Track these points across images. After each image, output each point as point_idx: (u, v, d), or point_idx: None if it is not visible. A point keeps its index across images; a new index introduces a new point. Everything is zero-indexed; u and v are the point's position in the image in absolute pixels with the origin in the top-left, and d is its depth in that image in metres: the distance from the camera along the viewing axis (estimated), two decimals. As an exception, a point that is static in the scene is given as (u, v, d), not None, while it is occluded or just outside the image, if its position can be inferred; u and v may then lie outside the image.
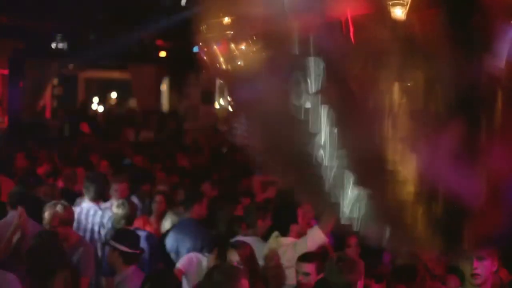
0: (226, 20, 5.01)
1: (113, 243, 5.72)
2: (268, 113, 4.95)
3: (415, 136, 4.92)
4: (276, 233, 6.34)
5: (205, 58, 5.33)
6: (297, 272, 5.42)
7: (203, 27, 5.20)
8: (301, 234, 6.19)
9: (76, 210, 7.21)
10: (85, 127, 11.71)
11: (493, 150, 4.89)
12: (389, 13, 4.61)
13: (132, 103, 24.37)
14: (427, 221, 5.07)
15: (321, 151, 5.00)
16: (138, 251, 5.76)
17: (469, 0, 4.85)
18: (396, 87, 4.92)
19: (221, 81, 5.73)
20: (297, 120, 4.90)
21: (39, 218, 6.95)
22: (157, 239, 7.19)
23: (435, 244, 5.21)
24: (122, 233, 6.00)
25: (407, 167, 4.95)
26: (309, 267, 5.40)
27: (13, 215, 6.90)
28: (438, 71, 4.82)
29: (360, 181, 5.07)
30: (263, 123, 5.03)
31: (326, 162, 5.09)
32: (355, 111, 4.87)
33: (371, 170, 5.00)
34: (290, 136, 4.97)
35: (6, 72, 17.81)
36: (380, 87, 4.85)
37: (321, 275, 5.38)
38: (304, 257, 5.48)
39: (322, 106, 4.84)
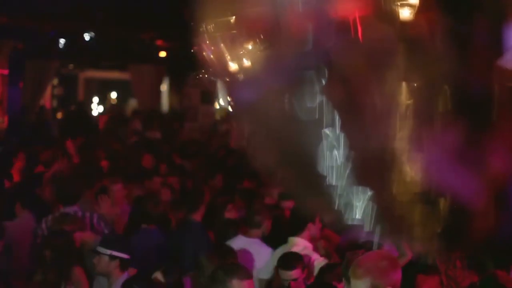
0: (233, 19, 4.98)
1: (109, 251, 5.47)
2: (273, 114, 4.95)
3: (420, 136, 4.92)
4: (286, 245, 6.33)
5: (211, 57, 5.30)
6: (284, 280, 5.43)
7: (210, 26, 5.18)
8: (314, 237, 6.22)
9: None
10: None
11: (496, 150, 4.90)
12: (396, 13, 4.58)
13: (132, 103, 24.34)
14: (431, 221, 5.08)
15: (333, 152, 4.99)
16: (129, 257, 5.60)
17: (474, 1, 4.85)
18: (402, 87, 4.92)
19: (225, 81, 5.70)
20: (305, 120, 4.89)
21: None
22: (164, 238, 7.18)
23: (437, 243, 5.22)
24: (115, 239, 5.81)
25: (411, 167, 4.95)
26: (296, 273, 5.43)
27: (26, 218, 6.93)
28: (443, 72, 4.81)
29: (366, 181, 5.07)
30: (268, 124, 5.02)
31: (337, 164, 5.08)
32: (361, 110, 4.86)
33: (376, 170, 5.00)
34: (297, 137, 4.96)
35: (6, 72, 17.79)
36: (386, 87, 4.85)
37: (306, 272, 5.45)
38: (287, 265, 5.48)
39: (330, 106, 4.83)
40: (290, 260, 5.55)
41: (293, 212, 6.53)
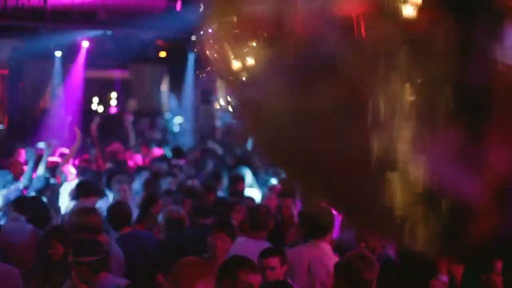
0: (236, 18, 4.98)
1: (75, 258, 5.33)
2: (276, 114, 4.95)
3: (421, 136, 4.92)
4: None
5: (215, 56, 5.29)
6: (262, 269, 5.43)
7: (214, 25, 5.18)
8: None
9: None
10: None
11: (498, 150, 4.89)
12: (399, 11, 4.58)
13: (132, 103, 24.35)
14: (431, 222, 5.08)
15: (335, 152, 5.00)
16: (103, 255, 5.43)
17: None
18: (404, 86, 4.91)
19: (226, 80, 5.70)
20: (307, 121, 4.90)
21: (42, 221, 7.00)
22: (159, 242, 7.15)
23: (437, 244, 5.22)
24: (80, 244, 5.60)
25: (413, 167, 4.96)
26: (274, 261, 5.47)
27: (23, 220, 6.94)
28: (445, 70, 4.82)
29: (367, 181, 5.07)
30: (270, 123, 5.02)
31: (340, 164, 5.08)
32: (363, 110, 4.86)
33: (378, 170, 5.01)
34: (300, 137, 4.97)
35: (6, 72, 17.78)
36: (388, 87, 4.85)
37: (285, 267, 5.48)
38: (267, 253, 5.55)
39: (332, 106, 4.83)
40: (270, 249, 5.65)
41: (314, 215, 6.53)
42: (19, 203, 7.22)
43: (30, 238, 6.79)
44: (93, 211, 6.41)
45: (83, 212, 6.31)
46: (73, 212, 6.58)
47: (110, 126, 16.49)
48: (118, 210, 7.03)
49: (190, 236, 6.96)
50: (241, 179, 10.06)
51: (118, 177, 8.98)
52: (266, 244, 6.38)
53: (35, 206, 7.31)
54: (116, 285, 5.26)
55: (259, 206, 7.13)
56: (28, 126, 17.01)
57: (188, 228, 7.27)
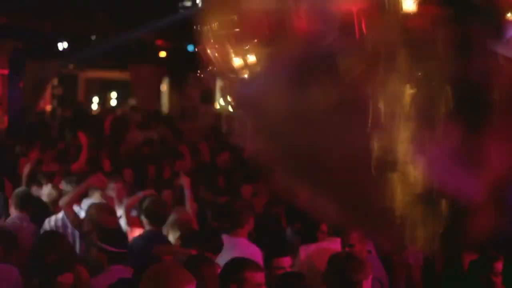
0: (236, 17, 4.98)
1: (99, 243, 5.57)
2: (278, 113, 4.95)
3: (421, 137, 4.92)
4: None
5: (216, 55, 5.29)
6: (273, 268, 5.44)
7: (214, 24, 5.18)
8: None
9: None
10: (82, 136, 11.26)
11: (496, 150, 4.90)
12: (399, 7, 4.57)
13: (132, 103, 24.35)
14: (432, 221, 5.09)
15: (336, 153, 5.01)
16: (123, 250, 5.61)
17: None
18: (403, 86, 4.92)
19: (227, 80, 5.70)
20: (308, 120, 4.90)
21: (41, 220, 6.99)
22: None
23: (436, 243, 5.23)
24: (108, 232, 5.83)
25: (413, 168, 4.96)
26: (286, 261, 5.49)
27: (20, 218, 6.93)
28: (444, 70, 4.82)
29: (367, 182, 5.08)
30: (270, 123, 5.03)
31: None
32: (363, 111, 4.87)
33: (378, 170, 5.02)
34: (300, 137, 4.97)
35: (6, 72, 17.77)
36: (388, 87, 4.86)
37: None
38: (279, 252, 5.57)
39: (332, 104, 4.83)
40: (281, 248, 5.65)
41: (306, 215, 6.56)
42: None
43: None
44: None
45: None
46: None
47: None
48: None
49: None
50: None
51: None
52: (245, 242, 6.32)
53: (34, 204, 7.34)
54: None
55: (234, 202, 6.97)
56: (28, 126, 17.03)
57: None
